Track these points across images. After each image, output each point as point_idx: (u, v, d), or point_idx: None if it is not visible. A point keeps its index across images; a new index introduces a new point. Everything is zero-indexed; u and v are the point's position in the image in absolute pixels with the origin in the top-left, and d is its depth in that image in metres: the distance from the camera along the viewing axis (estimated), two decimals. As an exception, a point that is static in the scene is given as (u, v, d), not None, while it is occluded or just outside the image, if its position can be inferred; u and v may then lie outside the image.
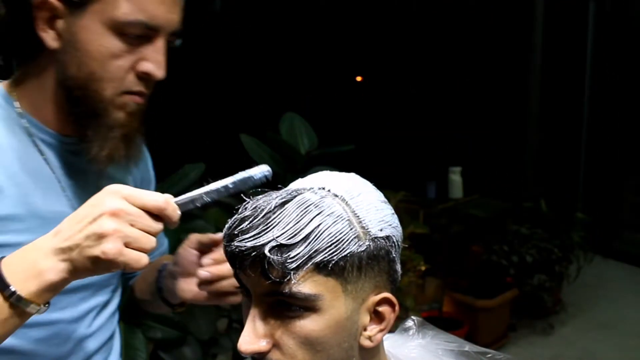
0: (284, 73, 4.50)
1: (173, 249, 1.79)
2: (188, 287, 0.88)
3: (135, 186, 0.98)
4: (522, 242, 3.36)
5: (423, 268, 2.80)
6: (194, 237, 0.89)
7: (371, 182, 0.70)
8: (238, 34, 4.68)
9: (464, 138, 4.45)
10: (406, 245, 0.71)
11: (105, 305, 0.95)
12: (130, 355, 1.66)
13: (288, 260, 0.58)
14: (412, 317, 0.81)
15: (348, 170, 0.73)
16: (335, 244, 0.59)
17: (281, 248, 0.58)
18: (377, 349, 0.68)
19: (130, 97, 0.82)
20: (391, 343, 0.76)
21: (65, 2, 0.76)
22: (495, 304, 3.17)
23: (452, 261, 3.29)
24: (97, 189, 0.89)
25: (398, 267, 0.68)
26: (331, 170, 0.76)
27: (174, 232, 1.77)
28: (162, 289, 0.94)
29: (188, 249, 0.89)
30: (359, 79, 5.12)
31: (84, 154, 0.83)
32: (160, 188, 2.04)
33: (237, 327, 2.09)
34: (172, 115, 4.29)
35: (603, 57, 4.37)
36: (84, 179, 0.87)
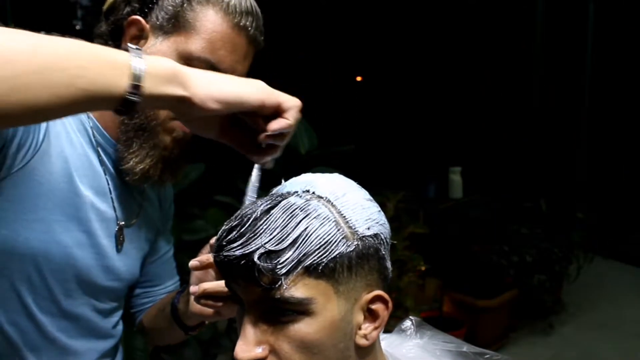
0: (283, 73, 4.50)
1: (174, 247, 1.79)
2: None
3: (161, 213, 1.10)
4: (522, 242, 3.36)
5: (423, 268, 2.80)
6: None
7: (371, 182, 0.70)
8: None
9: (464, 138, 4.46)
10: (395, 242, 0.70)
11: (116, 309, 1.00)
12: (130, 355, 1.66)
13: (278, 266, 0.58)
14: (410, 317, 0.81)
15: (348, 171, 0.73)
16: (323, 246, 0.59)
17: (270, 254, 0.58)
18: (374, 347, 0.68)
19: (180, 124, 0.88)
20: (389, 343, 0.77)
21: (155, 27, 0.87)
22: (495, 304, 3.17)
23: (452, 261, 3.29)
24: (135, 201, 0.98)
25: (388, 264, 0.67)
26: (331, 170, 0.77)
27: (174, 232, 1.77)
28: (177, 307, 0.97)
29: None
30: (359, 79, 5.12)
31: (122, 162, 0.89)
32: (160, 188, 2.04)
33: (237, 327, 2.09)
34: (172, 115, 4.29)
35: (603, 57, 4.37)
36: (128, 188, 0.95)
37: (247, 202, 0.80)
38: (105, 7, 0.91)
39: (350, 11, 4.62)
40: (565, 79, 4.44)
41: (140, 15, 0.87)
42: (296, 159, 2.02)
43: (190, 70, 0.65)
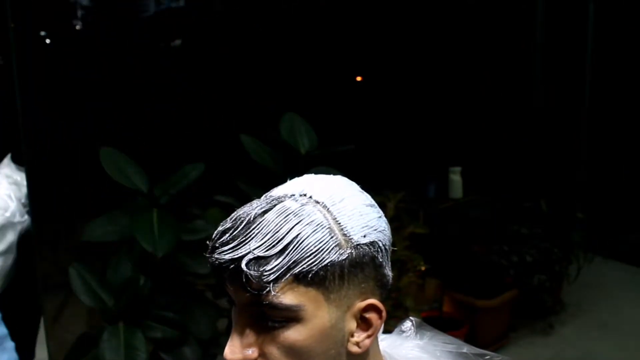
0: (283, 73, 4.50)
1: (172, 247, 1.79)
2: None
3: None
4: (522, 242, 3.36)
5: (423, 268, 2.80)
6: None
7: (371, 182, 0.69)
8: (238, 34, 4.68)
9: (464, 138, 4.45)
10: (395, 248, 0.69)
11: None
12: (130, 355, 1.66)
13: (265, 273, 0.57)
14: (411, 317, 0.81)
15: (348, 171, 0.72)
16: (314, 254, 0.58)
17: (258, 260, 0.57)
18: (367, 354, 0.67)
19: None
20: (389, 343, 0.76)
21: None
22: (495, 304, 3.17)
23: (452, 261, 3.29)
24: None
25: (387, 271, 0.65)
26: (331, 170, 0.76)
27: (174, 232, 1.77)
28: None
29: None
30: (359, 79, 5.11)
31: None
32: (161, 188, 2.05)
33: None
34: (172, 116, 4.29)
35: (603, 57, 4.37)
36: None
37: None
38: None
39: (350, 11, 4.62)
40: (565, 79, 4.43)
41: None
42: (296, 159, 2.02)
43: None
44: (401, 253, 2.62)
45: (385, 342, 0.76)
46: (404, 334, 0.79)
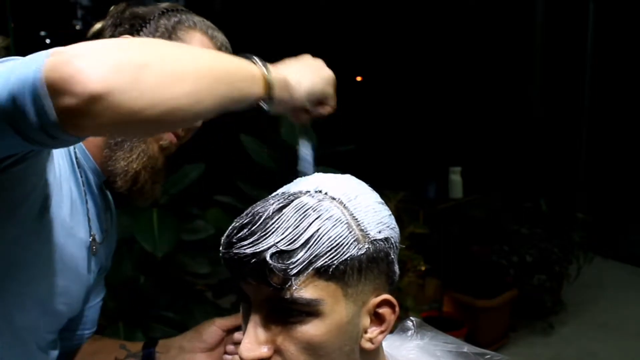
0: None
1: (172, 247, 1.79)
2: None
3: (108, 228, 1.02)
4: (522, 242, 3.36)
5: (423, 268, 2.80)
6: (220, 322, 0.94)
7: (371, 182, 0.70)
8: (238, 34, 4.68)
9: (464, 138, 4.45)
10: (403, 246, 0.70)
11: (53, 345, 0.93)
12: (130, 355, 1.66)
13: (290, 267, 0.57)
14: (411, 317, 0.81)
15: (348, 171, 0.72)
16: (335, 248, 0.59)
17: (282, 254, 0.57)
18: (378, 350, 0.67)
19: (169, 134, 0.90)
20: (389, 344, 0.77)
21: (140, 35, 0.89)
22: (495, 304, 3.17)
23: (452, 261, 3.29)
24: (107, 224, 0.98)
25: (396, 267, 0.68)
26: (331, 170, 0.76)
27: (174, 232, 1.77)
28: None
29: (215, 327, 0.94)
30: (359, 79, 5.11)
31: (110, 165, 0.88)
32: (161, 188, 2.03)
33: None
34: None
35: (603, 57, 4.37)
36: (101, 214, 0.96)
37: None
38: (90, 34, 0.93)
39: (350, 11, 4.62)
40: (565, 78, 4.43)
41: (130, 34, 0.90)
42: (296, 159, 2.01)
43: (288, 73, 0.75)
44: (401, 253, 2.61)
45: (386, 342, 0.76)
46: (405, 334, 0.79)
